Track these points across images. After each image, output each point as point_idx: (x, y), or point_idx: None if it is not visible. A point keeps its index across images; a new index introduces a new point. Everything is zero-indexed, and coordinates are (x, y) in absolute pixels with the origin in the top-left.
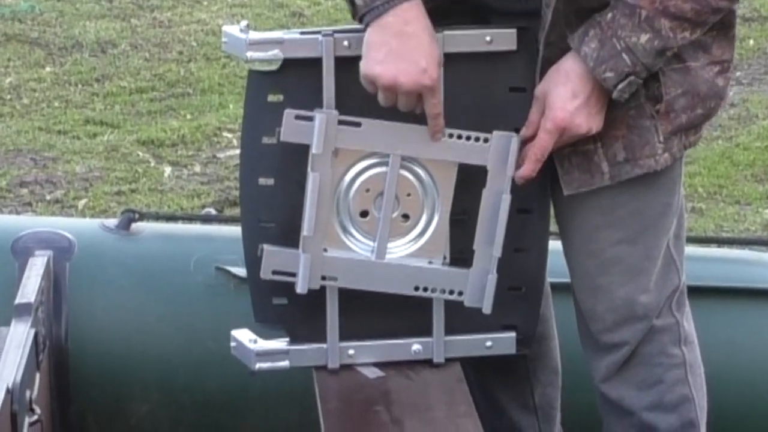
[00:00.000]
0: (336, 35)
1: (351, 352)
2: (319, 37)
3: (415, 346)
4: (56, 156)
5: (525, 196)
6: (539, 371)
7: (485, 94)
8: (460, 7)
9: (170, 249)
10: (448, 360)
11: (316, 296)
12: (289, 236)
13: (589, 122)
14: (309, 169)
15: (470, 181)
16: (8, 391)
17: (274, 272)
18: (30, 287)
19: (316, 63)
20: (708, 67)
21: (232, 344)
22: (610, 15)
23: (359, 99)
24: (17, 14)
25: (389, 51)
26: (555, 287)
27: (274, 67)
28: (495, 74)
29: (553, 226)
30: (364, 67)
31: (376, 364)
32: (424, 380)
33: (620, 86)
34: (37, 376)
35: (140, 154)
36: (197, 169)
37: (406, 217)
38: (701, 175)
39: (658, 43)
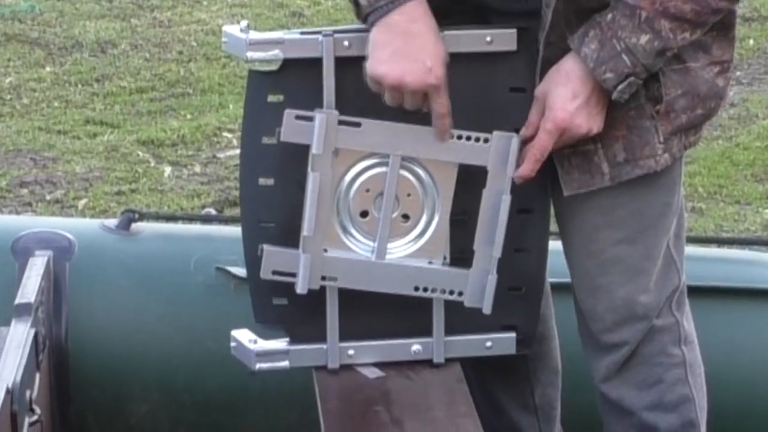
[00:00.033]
0: (336, 35)
1: (351, 352)
2: (320, 37)
3: (415, 347)
4: (56, 156)
5: (525, 197)
6: (539, 371)
7: (485, 95)
8: (460, 7)
9: (170, 249)
10: (448, 360)
11: (316, 296)
12: (289, 236)
13: (589, 123)
14: (309, 169)
15: (470, 181)
16: (8, 391)
17: (274, 272)
18: (30, 287)
19: (316, 63)
20: (708, 68)
21: (232, 344)
22: (610, 16)
23: (359, 99)
24: (17, 14)
25: (394, 50)
26: (555, 287)
27: (274, 67)
28: (495, 74)
29: (553, 226)
30: (369, 66)
31: (376, 364)
32: (424, 380)
33: (620, 87)
34: (37, 376)
35: (140, 154)
36: (197, 169)
37: (406, 217)
38: (701, 174)
39: (658, 43)
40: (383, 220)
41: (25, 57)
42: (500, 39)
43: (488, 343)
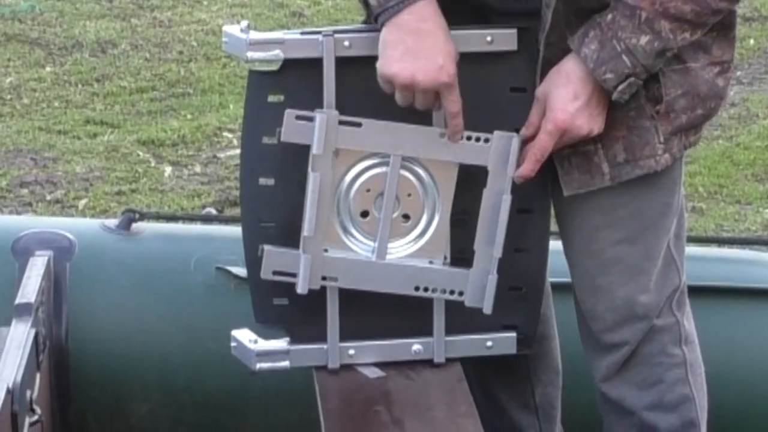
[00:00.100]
0: (336, 35)
1: (351, 352)
2: (320, 37)
3: (416, 346)
4: (56, 156)
5: (525, 196)
6: (540, 371)
7: (486, 95)
8: (460, 7)
9: (170, 249)
10: (449, 360)
11: (317, 296)
12: (290, 236)
13: (590, 124)
14: (309, 169)
15: (471, 181)
16: (8, 391)
17: (275, 272)
18: (30, 287)
19: (316, 63)
20: (708, 68)
21: (233, 344)
22: (610, 16)
23: (360, 99)
24: (17, 14)
25: (406, 49)
26: (555, 287)
27: (274, 67)
28: (495, 74)
29: (553, 226)
30: (380, 66)
31: (377, 364)
32: (425, 380)
33: (620, 87)
34: (38, 376)
35: (140, 154)
36: (197, 169)
37: (406, 217)
38: (702, 174)
39: (658, 44)
40: (384, 220)
41: (25, 57)
42: (501, 39)
43: (489, 343)
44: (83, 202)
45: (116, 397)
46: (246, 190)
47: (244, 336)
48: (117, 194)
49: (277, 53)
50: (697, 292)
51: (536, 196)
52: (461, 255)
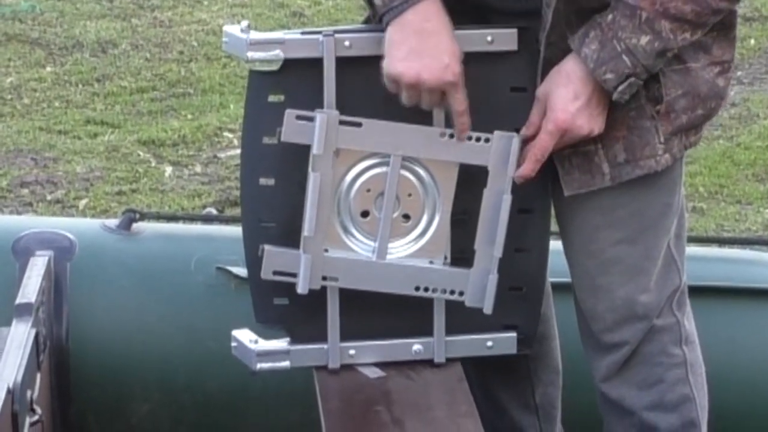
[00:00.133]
0: (337, 35)
1: (352, 352)
2: (320, 37)
3: (416, 346)
4: (57, 156)
5: (526, 196)
6: (540, 371)
7: (486, 94)
8: (460, 7)
9: (171, 249)
10: (449, 360)
11: (317, 296)
12: (290, 236)
13: (590, 124)
14: (310, 169)
15: (471, 181)
16: (9, 391)
17: (275, 272)
18: (31, 287)
19: (316, 63)
20: (708, 68)
21: (233, 344)
22: (610, 16)
23: (360, 99)
24: (18, 14)
25: (411, 49)
26: (556, 287)
27: (274, 67)
28: (496, 74)
29: (554, 226)
30: (386, 66)
31: (377, 364)
32: (425, 380)
33: (620, 88)
34: (38, 376)
35: (141, 154)
36: (198, 169)
37: (406, 217)
38: (702, 174)
39: (658, 44)
40: (384, 220)
41: (25, 57)
42: (501, 39)
43: (489, 343)
44: (84, 202)
45: (117, 397)
46: (246, 190)
47: (245, 336)
48: (117, 194)
49: (278, 53)
50: (697, 292)
51: (536, 196)
52: (461, 255)
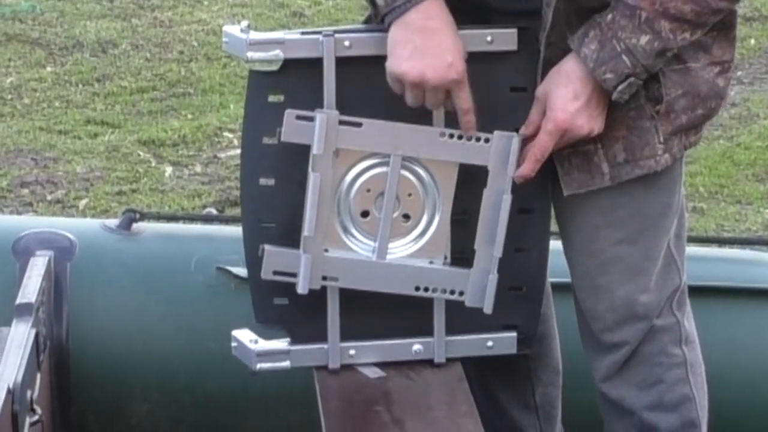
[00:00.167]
0: (337, 35)
1: (352, 352)
2: (320, 37)
3: (416, 346)
4: (57, 156)
5: (526, 196)
6: (540, 370)
7: (486, 94)
8: (460, 7)
9: (171, 249)
10: (449, 360)
11: (317, 296)
12: (290, 236)
13: (590, 124)
14: (310, 169)
15: (471, 181)
16: (9, 391)
17: (275, 272)
18: (31, 287)
19: (316, 63)
20: (708, 68)
21: (233, 344)
22: (610, 16)
23: (360, 99)
24: (18, 14)
25: (414, 48)
26: (555, 287)
27: (274, 67)
28: (496, 74)
29: (553, 226)
30: (390, 65)
31: (377, 364)
32: (425, 380)
33: (620, 87)
34: (38, 376)
35: (141, 154)
36: (198, 169)
37: (406, 217)
38: (702, 174)
39: (658, 44)
40: (384, 220)
41: (26, 57)
42: (501, 39)
43: (489, 343)
44: (84, 202)
45: (117, 397)
46: (246, 190)
47: (245, 336)
48: (117, 194)
49: (278, 53)
50: (697, 292)
51: (536, 196)
52: (461, 255)
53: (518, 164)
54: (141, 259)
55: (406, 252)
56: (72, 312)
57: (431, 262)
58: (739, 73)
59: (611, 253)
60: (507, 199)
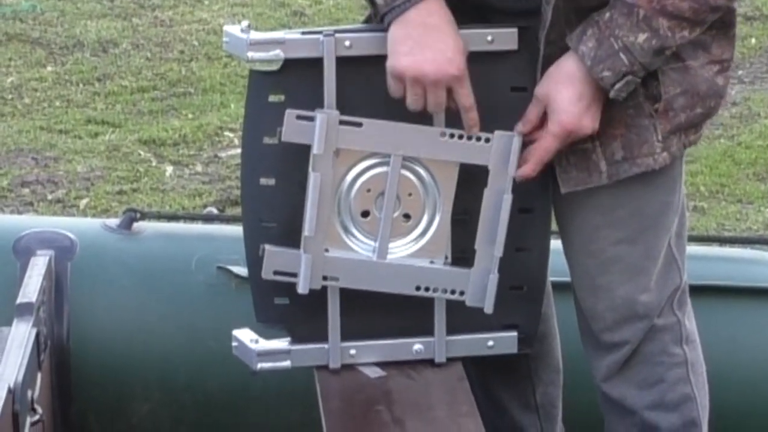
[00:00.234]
0: (337, 35)
1: (352, 351)
2: (321, 37)
3: (417, 346)
4: (58, 155)
5: (526, 196)
6: (541, 370)
7: (486, 94)
8: (460, 7)
9: (172, 248)
10: (450, 359)
11: (318, 296)
12: (291, 236)
13: (593, 123)
14: (310, 169)
15: (472, 180)
16: (10, 391)
17: (276, 272)
18: (31, 287)
19: (317, 63)
20: (707, 66)
21: (234, 344)
22: (608, 14)
23: (360, 99)
24: (18, 14)
25: (414, 44)
26: (556, 286)
27: (275, 67)
28: (496, 74)
29: (553, 226)
30: (390, 63)
31: (378, 364)
32: (426, 380)
33: (618, 85)
34: (39, 375)
35: (142, 153)
36: (199, 168)
37: (407, 217)
38: (703, 173)
39: (656, 42)
40: (384, 219)
41: (26, 56)
42: (501, 38)
43: (490, 343)
44: (84, 201)
45: (117, 397)
46: (247, 190)
47: (246, 336)
48: (118, 194)
49: (278, 53)
50: (698, 291)
51: (537, 196)
52: (462, 254)
53: (519, 164)
54: (141, 258)
55: (407, 252)
56: (73, 311)
57: (432, 262)
58: (739, 72)
59: (611, 252)
60: (508, 199)
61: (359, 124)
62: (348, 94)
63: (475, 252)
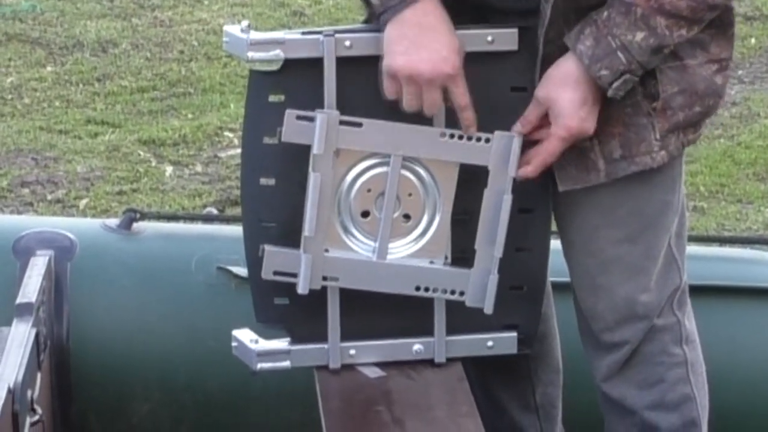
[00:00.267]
0: (337, 35)
1: (352, 352)
2: (321, 37)
3: (417, 346)
4: (57, 156)
5: (526, 196)
6: (540, 370)
7: (486, 94)
8: (460, 7)
9: (171, 249)
10: (450, 360)
11: (318, 296)
12: (291, 236)
13: (594, 123)
14: (310, 169)
15: (471, 181)
16: (9, 391)
17: (276, 272)
18: (31, 287)
19: (317, 63)
20: (706, 65)
21: (234, 344)
22: (606, 13)
23: (360, 99)
24: (18, 14)
25: (409, 43)
26: (556, 286)
27: (275, 67)
28: (496, 74)
29: (553, 226)
30: (385, 61)
31: (378, 364)
32: (426, 380)
33: (615, 84)
34: (39, 375)
35: (141, 153)
36: (198, 168)
37: (407, 217)
38: (703, 173)
39: (653, 41)
40: (384, 220)
41: (26, 57)
42: (501, 38)
43: (490, 343)
44: (84, 201)
45: (117, 397)
46: (247, 190)
47: (245, 336)
48: (118, 194)
49: (278, 53)
50: (698, 291)
51: (537, 196)
52: (462, 255)
53: (521, 165)
54: (141, 258)
55: (407, 252)
56: (72, 311)
57: (432, 262)
58: (739, 72)
59: (611, 252)
60: (507, 199)
61: (359, 125)
62: (348, 94)
63: (475, 252)
